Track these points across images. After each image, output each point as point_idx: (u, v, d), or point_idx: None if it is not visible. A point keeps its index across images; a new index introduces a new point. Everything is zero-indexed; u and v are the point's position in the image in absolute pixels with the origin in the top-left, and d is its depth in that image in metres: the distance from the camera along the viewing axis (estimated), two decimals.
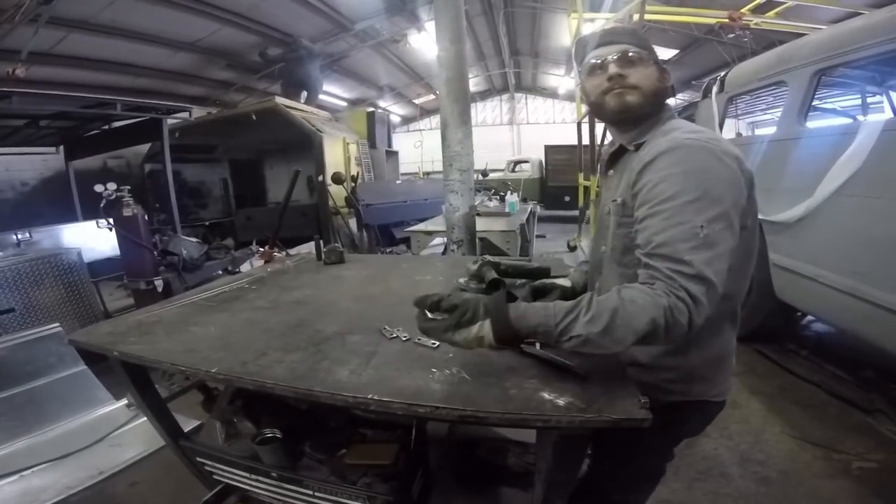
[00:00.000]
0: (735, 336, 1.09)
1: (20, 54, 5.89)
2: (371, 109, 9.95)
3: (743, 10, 5.67)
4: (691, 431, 1.16)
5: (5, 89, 4.00)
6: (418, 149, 14.96)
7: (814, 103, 3.03)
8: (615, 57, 1.02)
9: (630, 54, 1.02)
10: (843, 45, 2.62)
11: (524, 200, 6.41)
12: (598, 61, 1.04)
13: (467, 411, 0.80)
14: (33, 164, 7.02)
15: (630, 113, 1.03)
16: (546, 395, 0.84)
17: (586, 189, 6.69)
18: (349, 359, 1.02)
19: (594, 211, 1.28)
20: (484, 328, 0.82)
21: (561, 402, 0.82)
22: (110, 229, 3.50)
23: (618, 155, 1.12)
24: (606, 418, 0.78)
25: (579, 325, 0.79)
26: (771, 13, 5.93)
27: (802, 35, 4.68)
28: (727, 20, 5.30)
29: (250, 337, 1.20)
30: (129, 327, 1.33)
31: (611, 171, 1.15)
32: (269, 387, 0.92)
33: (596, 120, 5.69)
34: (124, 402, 2.75)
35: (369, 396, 0.84)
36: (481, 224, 3.33)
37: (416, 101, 18.50)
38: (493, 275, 1.36)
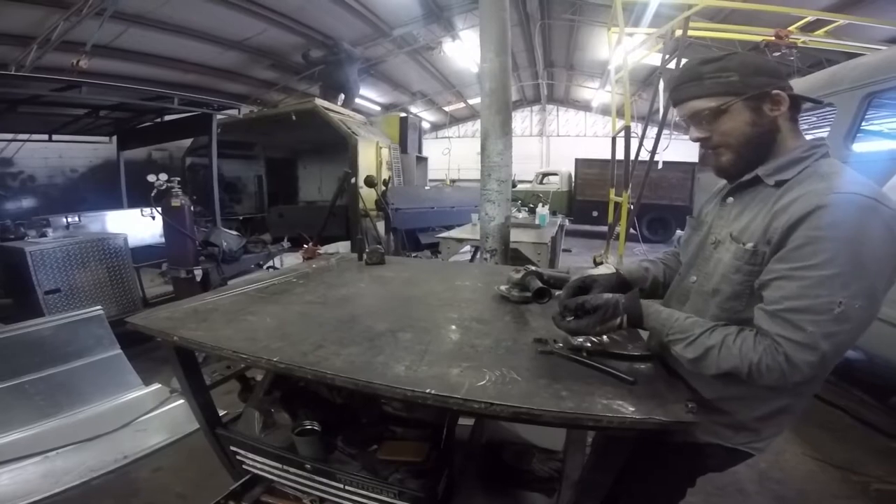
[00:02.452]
0: (811, 396, 1.03)
1: (85, 46, 6.23)
2: (404, 115, 10.10)
3: (791, 28, 5.52)
4: (716, 469, 1.11)
5: (71, 79, 4.23)
6: (446, 156, 15.07)
7: (862, 126, 2.97)
8: (689, 121, 0.96)
9: (703, 112, 0.92)
10: None
11: (553, 213, 6.39)
12: (682, 120, 0.99)
13: (522, 408, 0.83)
14: (83, 152, 7.40)
15: (728, 174, 0.98)
16: (597, 398, 0.87)
17: (617, 205, 6.60)
18: (404, 355, 1.05)
19: (690, 234, 1.20)
20: (623, 322, 0.99)
21: (612, 404, 0.85)
22: (153, 218, 3.64)
23: (746, 185, 0.98)
24: (656, 420, 0.80)
25: (679, 346, 0.92)
26: (820, 31, 5.75)
27: (852, 54, 4.57)
28: (773, 38, 5.17)
29: (306, 329, 1.23)
30: (186, 314, 1.37)
31: (730, 199, 1.02)
32: (330, 378, 0.95)
33: (632, 136, 5.63)
34: (154, 387, 2.81)
35: (427, 391, 0.87)
36: (513, 235, 3.35)
37: (446, 109, 18.66)
38: (538, 284, 1.38)
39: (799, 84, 3.55)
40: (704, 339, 0.88)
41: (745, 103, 0.89)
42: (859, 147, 3.05)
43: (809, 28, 5.83)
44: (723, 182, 1.08)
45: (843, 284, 0.77)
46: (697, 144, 0.99)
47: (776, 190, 0.90)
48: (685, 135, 1.07)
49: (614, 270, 1.23)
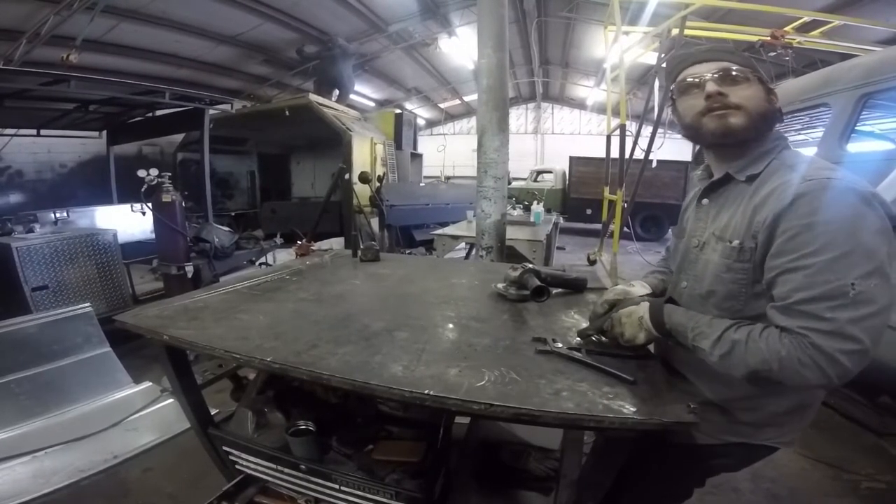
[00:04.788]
0: (821, 393, 1.04)
1: (75, 41, 6.13)
2: (399, 111, 10.03)
3: (786, 29, 5.55)
4: (731, 469, 1.10)
5: (61, 73, 4.16)
6: (441, 153, 15.03)
7: (857, 126, 2.98)
8: (715, 74, 0.93)
9: (732, 71, 0.93)
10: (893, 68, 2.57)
11: (547, 211, 6.39)
12: (695, 79, 0.95)
13: (522, 409, 0.81)
14: (73, 147, 7.27)
15: (733, 137, 0.93)
16: (597, 398, 0.85)
17: (611, 203, 6.62)
18: (400, 354, 1.03)
19: (677, 242, 1.22)
20: (642, 308, 1.00)
21: (612, 404, 0.83)
22: (143, 213, 3.59)
23: (719, 184, 1.01)
24: (657, 421, 0.79)
25: (707, 342, 0.88)
26: (815, 32, 5.77)
27: (847, 55, 4.59)
28: (769, 38, 5.20)
29: (300, 328, 1.20)
30: (177, 311, 1.34)
31: (705, 201, 1.05)
32: (326, 378, 0.93)
33: (627, 134, 5.64)
34: (144, 385, 2.78)
35: (426, 392, 0.85)
36: (508, 232, 3.34)
37: (442, 105, 18.61)
38: (536, 282, 1.36)
39: (794, 84, 3.56)
40: (730, 333, 0.85)
41: (765, 86, 0.95)
42: (853, 148, 3.06)
43: (805, 29, 5.87)
44: (695, 189, 1.12)
45: (849, 265, 0.75)
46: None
47: (749, 185, 0.93)
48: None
49: (650, 290, 1.20)
